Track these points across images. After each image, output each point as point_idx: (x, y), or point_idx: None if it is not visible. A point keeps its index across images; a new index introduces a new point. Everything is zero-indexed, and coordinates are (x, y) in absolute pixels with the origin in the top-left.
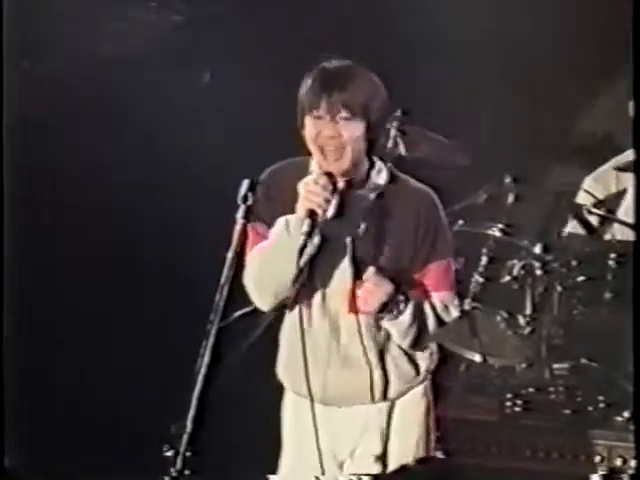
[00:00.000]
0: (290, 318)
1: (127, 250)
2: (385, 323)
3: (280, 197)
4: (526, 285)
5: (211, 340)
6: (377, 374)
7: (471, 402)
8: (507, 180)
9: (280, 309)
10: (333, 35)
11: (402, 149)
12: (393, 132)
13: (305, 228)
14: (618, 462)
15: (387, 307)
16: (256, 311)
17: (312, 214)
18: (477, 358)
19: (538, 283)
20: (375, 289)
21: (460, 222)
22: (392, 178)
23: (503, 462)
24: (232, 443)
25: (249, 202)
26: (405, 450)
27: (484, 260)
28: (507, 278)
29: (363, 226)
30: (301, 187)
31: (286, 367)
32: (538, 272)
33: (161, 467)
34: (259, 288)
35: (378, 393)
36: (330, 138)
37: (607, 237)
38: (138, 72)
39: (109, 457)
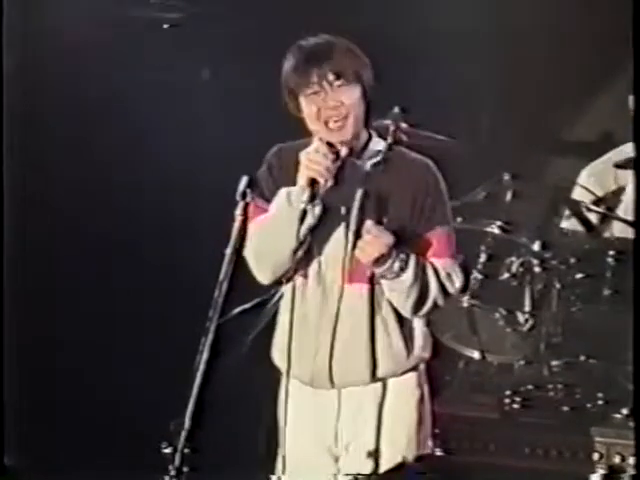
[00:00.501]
0: (287, 294)
1: (126, 248)
2: (386, 284)
3: (283, 175)
4: (525, 282)
5: (210, 337)
6: (367, 351)
7: (470, 399)
8: (506, 177)
9: (279, 282)
10: (333, 35)
11: (401, 149)
12: (391, 130)
13: (306, 196)
14: (617, 459)
15: (388, 263)
16: (255, 308)
17: (313, 183)
18: (476, 355)
19: (537, 280)
20: (374, 240)
21: (459, 220)
22: (390, 148)
23: (502, 459)
24: (231, 440)
25: (248, 199)
26: (397, 439)
27: (483, 257)
28: (506, 275)
29: (360, 193)
30: (302, 156)
31: (281, 349)
32: (537, 269)
33: (160, 465)
34: (260, 260)
35: (368, 371)
36: (333, 109)
37: (606, 234)
38: (137, 71)
39: (108, 455)
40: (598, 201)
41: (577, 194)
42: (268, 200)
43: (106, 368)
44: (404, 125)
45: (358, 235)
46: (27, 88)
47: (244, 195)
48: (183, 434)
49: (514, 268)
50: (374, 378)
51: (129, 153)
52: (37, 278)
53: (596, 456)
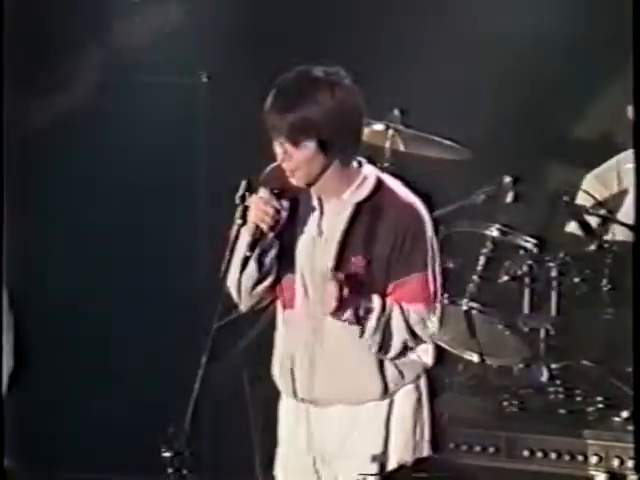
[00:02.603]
0: (279, 320)
1: (125, 251)
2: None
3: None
4: (524, 285)
5: (209, 341)
6: (375, 370)
7: (469, 402)
8: (506, 180)
9: (264, 309)
10: (333, 35)
11: (402, 148)
12: (391, 132)
13: (246, 244)
14: (616, 463)
15: (347, 314)
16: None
17: (256, 230)
18: (475, 358)
19: (536, 283)
20: (331, 292)
21: (458, 222)
22: (378, 186)
23: (501, 462)
24: (230, 443)
25: (247, 202)
26: (395, 443)
27: (482, 260)
28: (505, 278)
29: (341, 229)
30: (252, 200)
31: (278, 368)
32: (536, 272)
33: (159, 467)
34: (232, 289)
35: (380, 390)
36: (282, 160)
37: (606, 237)
38: (137, 73)
39: (108, 457)
40: (598, 205)
41: (581, 199)
42: None
43: (106, 371)
44: (402, 128)
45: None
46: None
47: (243, 198)
48: (183, 437)
49: (513, 271)
50: (386, 394)
51: (128, 154)
52: (37, 278)
53: (595, 459)
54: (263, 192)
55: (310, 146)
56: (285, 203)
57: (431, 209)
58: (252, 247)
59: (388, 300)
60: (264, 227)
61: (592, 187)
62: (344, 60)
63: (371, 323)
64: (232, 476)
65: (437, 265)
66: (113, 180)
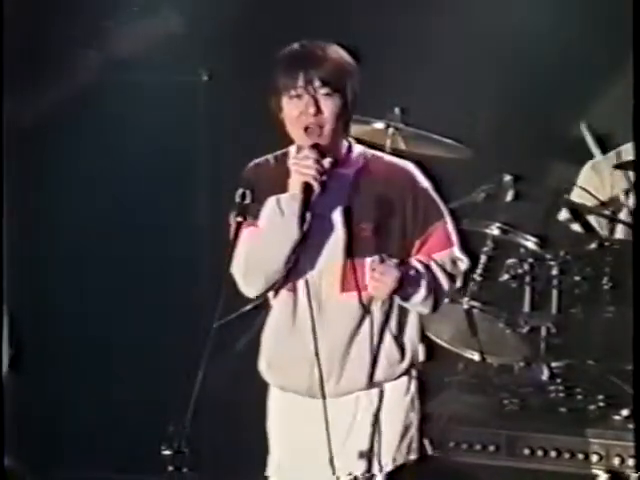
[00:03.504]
0: (275, 309)
1: (125, 250)
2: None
3: (265, 194)
4: (525, 284)
5: (209, 339)
6: (364, 357)
7: (469, 400)
8: (506, 179)
9: (264, 295)
10: (333, 35)
11: (402, 146)
12: (391, 131)
13: (299, 202)
14: (616, 461)
15: (401, 289)
16: (253, 310)
17: (306, 189)
18: (476, 357)
19: (537, 282)
20: (382, 278)
21: (459, 221)
22: (369, 156)
23: (501, 461)
24: (230, 441)
25: (247, 200)
26: (387, 443)
27: (483, 259)
28: (506, 277)
29: (346, 201)
30: (292, 163)
31: (270, 362)
32: (537, 271)
33: (160, 466)
34: (250, 273)
35: (365, 378)
36: (312, 115)
37: (606, 236)
38: (137, 72)
39: (108, 456)
40: (601, 204)
41: (576, 195)
42: (255, 217)
43: (105, 370)
44: (403, 126)
45: (350, 243)
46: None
47: (243, 196)
48: (183, 435)
49: (514, 269)
50: (371, 384)
51: (128, 154)
52: (37, 278)
53: (595, 457)
54: (310, 150)
55: (339, 102)
56: (330, 159)
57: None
58: (306, 206)
59: (424, 260)
60: (315, 185)
61: (588, 177)
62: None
63: (422, 290)
64: (232, 475)
65: (448, 212)
66: (113, 179)
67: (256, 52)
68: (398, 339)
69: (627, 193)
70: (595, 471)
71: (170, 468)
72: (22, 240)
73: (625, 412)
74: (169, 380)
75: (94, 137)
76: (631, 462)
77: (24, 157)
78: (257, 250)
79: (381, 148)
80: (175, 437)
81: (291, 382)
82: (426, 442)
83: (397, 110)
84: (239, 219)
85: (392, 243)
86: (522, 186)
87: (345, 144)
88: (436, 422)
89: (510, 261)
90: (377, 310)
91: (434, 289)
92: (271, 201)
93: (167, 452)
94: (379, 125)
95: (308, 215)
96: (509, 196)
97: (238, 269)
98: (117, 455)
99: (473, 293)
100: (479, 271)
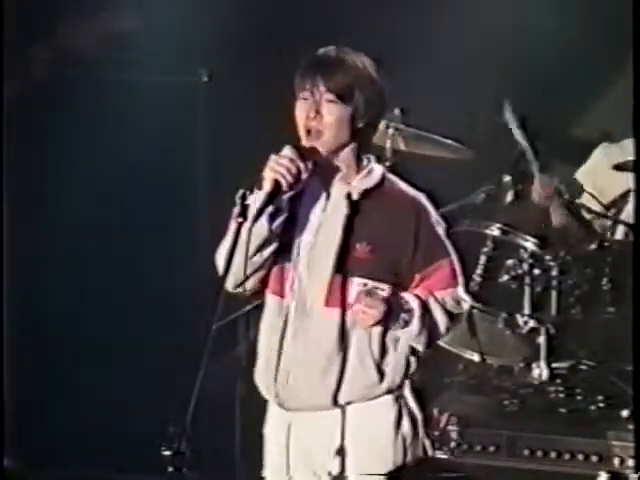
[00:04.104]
0: (265, 313)
1: (125, 250)
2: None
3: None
4: (524, 284)
5: (209, 340)
6: (333, 376)
7: (469, 401)
8: (506, 179)
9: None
10: (333, 35)
11: (402, 147)
12: (391, 131)
13: (263, 195)
14: (616, 462)
15: (388, 321)
16: (253, 311)
17: (275, 187)
18: (476, 357)
19: (537, 282)
20: (368, 310)
21: (459, 222)
22: (384, 179)
23: (501, 461)
24: (230, 442)
25: (247, 201)
26: (362, 461)
27: (483, 259)
28: (506, 277)
29: (344, 219)
30: (270, 159)
31: (259, 370)
32: (537, 271)
33: (159, 466)
34: (223, 264)
35: (330, 397)
36: (312, 119)
37: (606, 236)
38: (137, 71)
39: (108, 457)
40: (599, 204)
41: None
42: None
43: (105, 371)
44: (403, 127)
45: (341, 259)
46: (27, 92)
47: (243, 197)
48: (183, 436)
49: (514, 270)
50: (335, 404)
51: (128, 154)
52: (37, 279)
53: (595, 458)
54: (288, 150)
55: (345, 111)
56: (308, 164)
57: (436, 205)
58: (268, 201)
59: (421, 296)
60: (283, 183)
61: (597, 159)
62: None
63: (414, 326)
64: (232, 475)
65: (454, 249)
66: (112, 179)
67: (256, 53)
68: (378, 362)
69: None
70: (594, 472)
71: (170, 468)
72: (22, 241)
73: (625, 413)
74: (169, 380)
75: (94, 137)
76: (631, 462)
77: (23, 156)
78: (226, 244)
79: (397, 172)
80: (175, 437)
81: (270, 391)
82: (427, 443)
83: (397, 110)
84: (240, 219)
85: (387, 271)
86: (522, 187)
87: (364, 160)
88: (436, 423)
89: (510, 262)
90: (357, 330)
91: (428, 326)
92: (240, 194)
93: (167, 452)
94: (379, 126)
95: (280, 218)
96: (509, 197)
97: (219, 263)
98: (117, 455)
99: (473, 294)
100: (479, 272)
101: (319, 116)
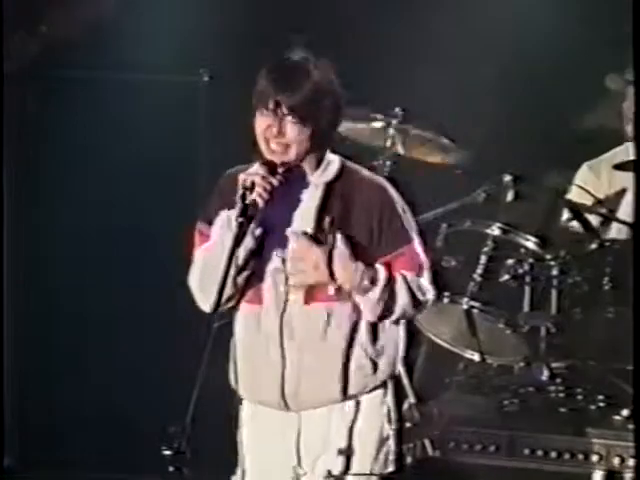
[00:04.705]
0: (240, 321)
1: (125, 250)
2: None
3: (231, 200)
4: (525, 284)
5: (209, 340)
6: (337, 370)
7: (469, 401)
8: (506, 179)
9: (227, 311)
10: (333, 35)
11: (400, 149)
12: (391, 131)
13: (240, 214)
14: (616, 461)
15: (356, 282)
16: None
17: (252, 204)
18: (476, 357)
19: (537, 282)
20: (306, 253)
21: (459, 221)
22: (343, 169)
23: (501, 461)
24: (230, 442)
25: (247, 201)
26: (363, 456)
27: (483, 259)
28: (506, 277)
29: (313, 213)
30: (241, 178)
31: (240, 374)
32: (537, 271)
33: (160, 466)
34: (203, 289)
35: (339, 390)
36: (275, 136)
37: (606, 236)
38: (138, 71)
39: (108, 456)
40: (598, 203)
41: (574, 194)
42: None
43: (106, 371)
44: (403, 126)
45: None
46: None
47: (244, 197)
48: (183, 436)
49: (514, 269)
50: (345, 396)
51: (128, 154)
52: (37, 279)
53: (595, 458)
54: (259, 167)
55: (307, 130)
56: (280, 177)
57: (400, 192)
58: (243, 213)
59: (389, 270)
60: (260, 202)
61: (585, 177)
62: (345, 60)
63: (375, 294)
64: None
65: (418, 235)
66: (114, 178)
67: (257, 52)
68: (368, 352)
69: (624, 192)
70: (589, 470)
71: (171, 468)
72: (22, 241)
73: (625, 412)
74: (170, 380)
75: (94, 137)
76: (631, 462)
77: (23, 156)
78: (209, 265)
79: (359, 162)
80: (175, 437)
81: (262, 396)
82: (427, 443)
83: (397, 110)
84: (240, 220)
85: (357, 257)
86: (523, 186)
87: (316, 156)
88: (436, 422)
89: (510, 261)
90: (344, 322)
91: (390, 298)
92: (222, 216)
93: (168, 452)
94: (379, 125)
95: (257, 231)
96: (509, 196)
97: (194, 284)
98: (117, 455)
99: (473, 293)
100: (479, 271)
101: (281, 134)
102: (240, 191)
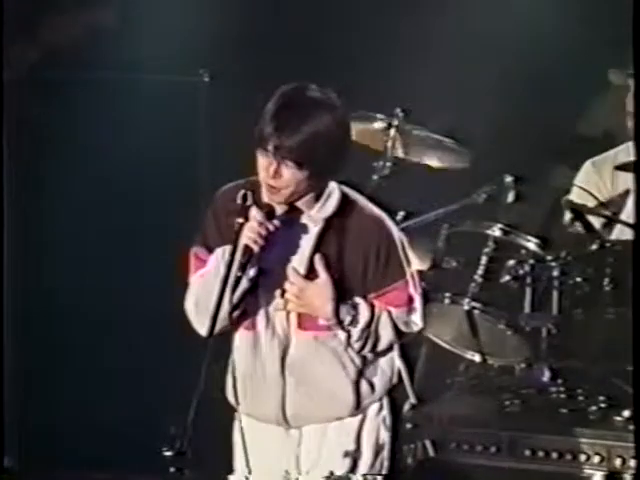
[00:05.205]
0: (237, 344)
1: (125, 250)
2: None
3: (225, 221)
4: (526, 285)
5: (211, 341)
6: (338, 391)
7: (470, 401)
8: (507, 180)
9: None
10: (334, 35)
11: (401, 149)
12: (392, 132)
13: (237, 265)
14: (617, 462)
15: (336, 318)
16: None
17: (247, 248)
18: (477, 358)
19: (538, 283)
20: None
21: (460, 222)
22: (342, 202)
23: (502, 462)
24: (230, 442)
25: (248, 202)
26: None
27: (484, 260)
28: (507, 278)
29: (309, 249)
30: (236, 222)
31: (239, 392)
32: (538, 272)
33: (161, 467)
34: (197, 313)
35: (342, 409)
36: (271, 177)
37: (607, 237)
38: (138, 71)
39: (109, 457)
40: (601, 205)
41: (575, 195)
42: (210, 249)
43: (106, 371)
44: (404, 127)
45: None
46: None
47: (245, 198)
48: (184, 437)
49: (515, 270)
50: (358, 410)
51: (128, 154)
52: (37, 278)
53: (597, 459)
54: (256, 212)
55: (302, 174)
56: (276, 222)
57: (396, 222)
58: (244, 268)
59: (376, 308)
60: (255, 248)
61: (588, 175)
62: (345, 60)
63: (357, 330)
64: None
65: (413, 269)
66: (114, 179)
67: (257, 53)
68: (364, 374)
69: (628, 194)
70: (590, 471)
71: (171, 469)
72: (23, 242)
73: (626, 413)
74: (170, 381)
75: (95, 137)
76: (632, 463)
77: (24, 155)
78: (203, 295)
79: (362, 191)
80: (176, 438)
81: (262, 414)
82: (428, 443)
83: (398, 111)
84: (240, 220)
85: (349, 292)
86: (523, 187)
87: (325, 191)
88: (437, 423)
89: (511, 262)
90: (338, 347)
91: (371, 337)
92: (218, 252)
93: (168, 453)
94: (380, 125)
95: (252, 271)
96: (510, 197)
97: (190, 309)
98: (118, 455)
99: (474, 294)
100: (480, 272)
101: (278, 175)
102: (241, 192)
